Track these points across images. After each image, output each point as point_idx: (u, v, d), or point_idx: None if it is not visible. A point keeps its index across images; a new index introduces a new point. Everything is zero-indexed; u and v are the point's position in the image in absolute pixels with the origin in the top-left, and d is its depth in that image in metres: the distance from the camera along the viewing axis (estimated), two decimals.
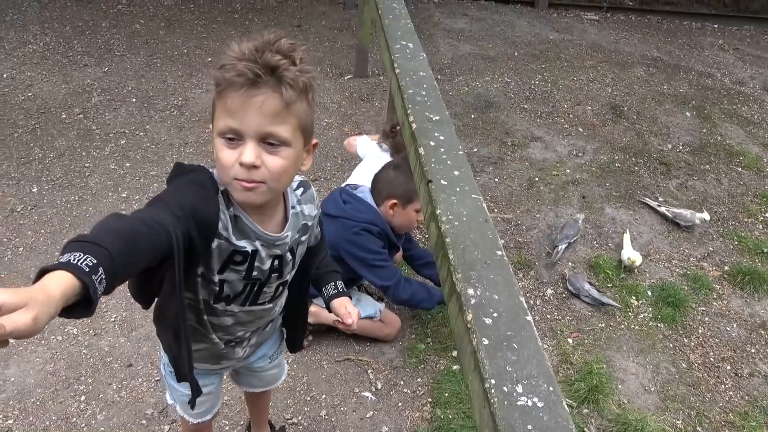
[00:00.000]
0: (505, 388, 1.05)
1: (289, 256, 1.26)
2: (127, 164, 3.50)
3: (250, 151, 1.01)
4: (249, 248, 1.15)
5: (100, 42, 4.88)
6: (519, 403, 1.03)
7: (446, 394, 2.26)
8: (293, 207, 1.24)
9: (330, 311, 1.46)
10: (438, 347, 2.50)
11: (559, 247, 3.01)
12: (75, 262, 0.73)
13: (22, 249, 2.86)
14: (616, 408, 2.30)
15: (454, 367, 2.38)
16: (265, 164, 1.02)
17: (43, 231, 2.98)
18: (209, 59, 4.74)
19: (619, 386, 2.41)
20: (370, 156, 2.94)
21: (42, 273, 0.72)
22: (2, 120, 3.79)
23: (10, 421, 2.13)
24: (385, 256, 2.30)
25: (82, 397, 2.21)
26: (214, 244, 1.10)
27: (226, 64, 1.01)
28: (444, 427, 2.12)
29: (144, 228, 0.89)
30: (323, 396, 2.27)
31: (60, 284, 0.70)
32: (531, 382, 1.07)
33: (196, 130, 3.85)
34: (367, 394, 2.29)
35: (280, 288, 1.33)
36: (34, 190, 3.24)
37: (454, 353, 2.46)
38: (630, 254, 2.97)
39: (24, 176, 3.33)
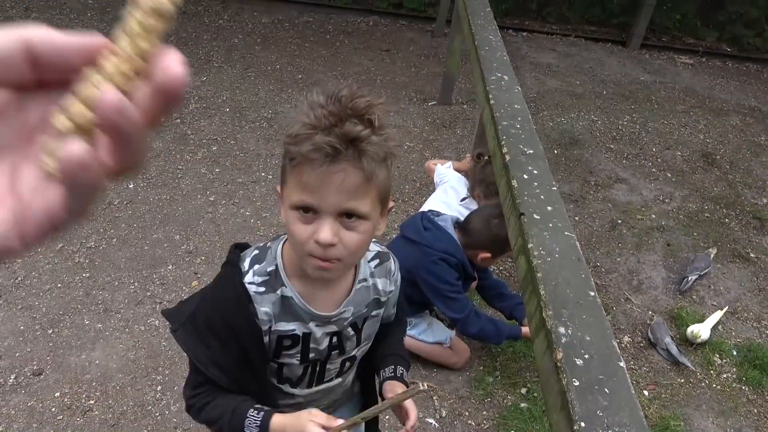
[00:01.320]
0: None
1: (350, 331, 1.16)
2: (217, 170, 3.66)
3: (327, 230, 0.92)
4: (299, 331, 1.09)
5: (200, 53, 5.17)
6: None
7: (512, 431, 2.21)
8: (364, 280, 1.15)
9: (380, 394, 1.26)
10: (506, 382, 2.46)
11: (689, 278, 3.05)
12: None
13: (115, 240, 3.04)
14: None
15: (522, 405, 2.32)
16: (342, 241, 0.95)
17: (135, 225, 3.15)
18: (300, 76, 4.93)
19: None
20: (446, 187, 2.94)
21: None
22: None
23: (92, 402, 2.25)
24: (459, 288, 2.29)
25: (159, 387, 2.31)
26: (266, 339, 1.08)
27: (300, 135, 0.90)
28: None
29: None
30: (387, 417, 2.28)
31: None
32: (623, 430, 1.04)
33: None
34: (431, 420, 2.27)
35: (347, 363, 1.22)
36: (131, 186, 3.45)
37: (523, 390, 2.41)
38: (701, 328, 2.71)
39: None
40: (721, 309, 2.92)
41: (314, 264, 0.97)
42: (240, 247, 1.16)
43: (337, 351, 1.16)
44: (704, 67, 6.22)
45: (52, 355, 2.40)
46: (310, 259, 0.96)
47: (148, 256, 2.95)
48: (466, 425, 2.28)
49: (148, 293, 2.73)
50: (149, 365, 2.40)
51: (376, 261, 1.19)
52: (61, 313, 2.59)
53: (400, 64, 5.42)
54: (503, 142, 1.94)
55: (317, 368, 1.18)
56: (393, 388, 1.21)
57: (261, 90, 4.65)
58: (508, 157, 1.86)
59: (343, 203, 0.92)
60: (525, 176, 1.76)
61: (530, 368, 2.52)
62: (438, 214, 2.45)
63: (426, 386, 1.08)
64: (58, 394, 2.26)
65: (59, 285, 2.73)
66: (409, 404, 1.17)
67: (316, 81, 4.87)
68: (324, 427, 1.04)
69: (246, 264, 1.10)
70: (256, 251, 1.13)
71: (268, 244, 1.15)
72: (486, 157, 2.70)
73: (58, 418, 2.18)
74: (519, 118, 2.10)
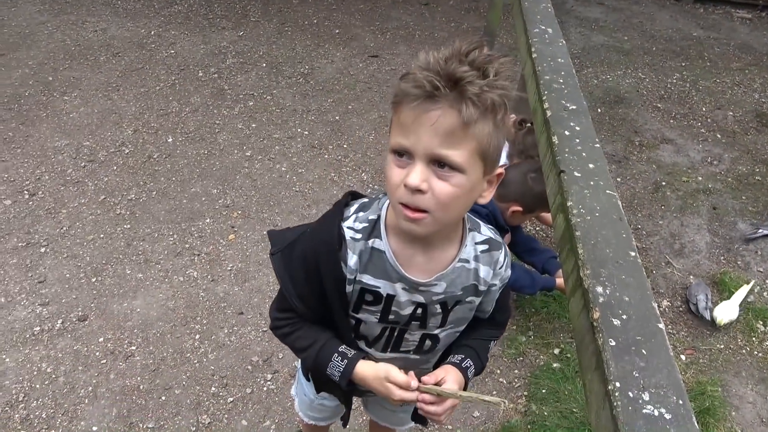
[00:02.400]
0: (631, 394, 1.01)
1: (437, 308, 1.10)
2: (253, 125, 3.67)
3: (417, 173, 0.88)
4: (384, 291, 1.06)
5: (237, 7, 5.12)
6: (645, 411, 0.98)
7: (543, 391, 2.21)
8: (466, 261, 1.08)
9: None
10: (539, 342, 2.44)
11: (761, 230, 3.07)
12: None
13: (155, 193, 3.10)
14: None
15: (555, 365, 2.31)
16: (432, 189, 0.90)
17: (174, 179, 3.20)
18: (336, 31, 4.84)
19: (733, 413, 2.24)
20: None
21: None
22: (147, 73, 4.10)
23: (133, 347, 2.33)
24: None
25: (197, 336, 2.38)
26: (349, 288, 1.06)
27: (407, 74, 0.89)
28: (538, 423, 2.08)
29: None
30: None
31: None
32: (659, 392, 1.01)
33: (319, 98, 3.96)
34: None
35: (427, 341, 1.17)
36: (170, 140, 3.49)
37: (556, 350, 2.39)
38: (726, 311, 2.56)
39: (162, 127, 3.59)
40: (747, 283, 2.78)
41: (403, 213, 0.93)
42: (354, 195, 1.14)
43: (418, 323, 1.12)
44: (763, 22, 5.85)
45: (96, 303, 2.49)
46: (401, 207, 0.93)
47: (187, 209, 3.00)
48: (497, 383, 2.28)
49: (187, 245, 2.79)
50: (188, 315, 2.46)
51: (485, 246, 1.11)
52: (103, 262, 2.67)
53: (440, 18, 5.27)
54: (545, 97, 1.87)
55: (395, 333, 1.15)
56: (448, 369, 1.14)
57: (298, 45, 4.60)
58: (549, 113, 1.79)
59: (436, 147, 0.87)
60: (566, 132, 1.69)
61: (564, 329, 2.50)
62: None
63: (505, 405, 1.07)
64: (101, 339, 2.35)
65: (102, 235, 2.81)
66: (451, 379, 1.12)
67: (354, 36, 4.78)
68: (403, 386, 1.07)
69: (352, 209, 1.08)
70: (366, 200, 1.11)
71: (380, 195, 1.11)
72: (529, 125, 2.61)
73: (102, 362, 2.27)
74: (562, 73, 2.01)
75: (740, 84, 4.57)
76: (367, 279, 1.05)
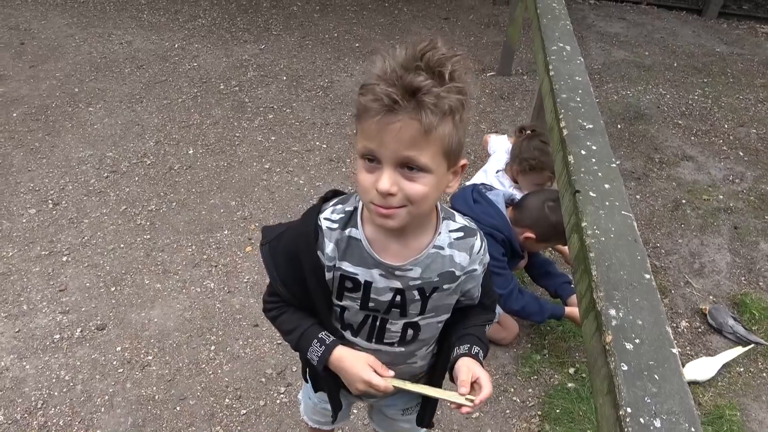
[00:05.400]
0: (642, 420, 1.00)
1: (415, 294, 1.13)
2: (273, 138, 3.71)
3: (385, 179, 0.93)
4: (362, 278, 1.10)
5: (260, 21, 5.20)
6: None
7: (557, 411, 2.18)
8: (441, 247, 1.11)
9: (451, 373, 1.21)
10: (554, 361, 2.42)
11: None
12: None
13: (174, 204, 3.14)
14: None
15: (569, 385, 2.29)
16: (402, 190, 0.95)
17: (194, 190, 3.25)
18: (357, 44, 4.89)
19: None
20: (492, 158, 2.88)
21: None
22: (170, 85, 4.18)
23: (150, 357, 2.36)
24: (504, 264, 2.25)
25: (212, 347, 2.41)
26: (329, 275, 1.12)
27: (366, 85, 0.93)
28: None
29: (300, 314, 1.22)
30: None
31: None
32: (671, 419, 1.00)
33: (338, 112, 4.00)
34: None
35: (409, 330, 1.21)
36: (191, 152, 3.54)
37: (571, 370, 2.37)
38: (698, 369, 2.40)
39: (183, 138, 3.65)
40: (743, 346, 2.51)
41: (376, 211, 0.99)
42: (336, 192, 1.21)
43: (398, 310, 1.16)
44: None
45: (115, 312, 2.53)
46: (373, 207, 0.99)
47: (206, 221, 3.04)
48: (511, 401, 2.26)
49: (205, 256, 2.82)
50: (204, 326, 2.49)
51: (460, 234, 1.14)
52: (123, 272, 2.72)
53: (459, 32, 5.29)
54: (561, 116, 1.86)
55: (377, 322, 1.18)
56: (469, 367, 1.16)
57: (318, 58, 4.65)
58: (565, 132, 1.79)
59: (401, 152, 0.92)
60: (583, 152, 1.69)
61: (579, 348, 2.47)
62: (491, 188, 2.40)
63: (472, 404, 1.10)
64: (119, 348, 2.39)
65: (122, 245, 2.86)
66: (485, 382, 1.14)
67: (374, 50, 4.82)
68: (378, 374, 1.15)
69: (331, 203, 1.15)
70: (345, 195, 1.18)
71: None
72: (528, 131, 2.62)
73: (119, 371, 2.31)
74: (579, 91, 2.01)
75: (764, 101, 4.51)
76: (346, 266, 1.10)
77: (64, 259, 2.77)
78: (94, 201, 3.13)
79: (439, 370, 1.35)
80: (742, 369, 2.46)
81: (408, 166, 0.94)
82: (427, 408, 1.44)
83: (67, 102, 3.92)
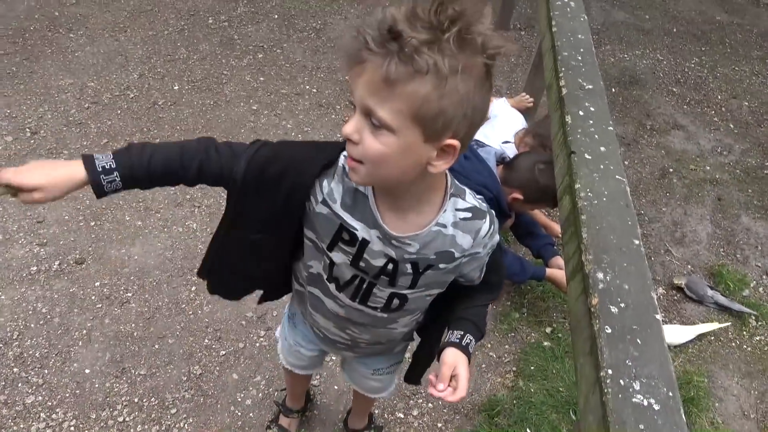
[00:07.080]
0: (622, 382, 1.01)
1: (407, 267, 1.09)
2: (261, 78, 3.61)
3: (351, 123, 0.89)
4: (360, 234, 1.06)
5: None
6: (634, 400, 0.99)
7: (532, 368, 2.23)
8: (443, 225, 1.05)
9: (439, 355, 1.18)
10: (532, 320, 2.46)
11: None
12: (98, 163, 1.04)
13: (158, 141, 3.05)
14: (708, 425, 2.17)
15: (545, 343, 2.33)
16: (362, 141, 0.89)
17: (178, 128, 3.17)
18: None
19: (717, 404, 2.27)
20: (494, 122, 2.81)
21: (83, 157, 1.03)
22: (156, 17, 4.01)
23: (129, 294, 2.34)
24: None
25: (193, 288, 2.39)
26: (316, 208, 1.08)
27: (356, 26, 0.88)
28: (524, 398, 2.10)
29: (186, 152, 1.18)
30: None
31: (74, 177, 1.03)
32: (650, 383, 1.02)
33: (330, 56, 3.88)
34: None
35: (395, 300, 1.17)
36: (176, 87, 3.43)
37: (548, 329, 2.41)
38: (675, 334, 2.43)
39: (168, 73, 3.53)
40: (720, 323, 2.55)
41: (345, 159, 0.97)
42: None
43: (387, 279, 1.12)
44: None
45: (94, 247, 2.49)
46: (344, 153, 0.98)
47: None
48: (487, 356, 2.30)
49: (188, 196, 2.77)
50: (185, 266, 2.47)
51: (468, 214, 1.07)
52: (103, 207, 2.66)
53: None
54: (561, 74, 1.82)
55: (364, 285, 1.15)
56: (452, 363, 1.12)
57: None
58: (564, 91, 1.75)
59: (364, 100, 0.86)
60: (580, 113, 1.67)
61: (557, 308, 2.51)
62: (483, 144, 2.36)
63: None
64: (98, 283, 2.36)
65: None
66: (462, 384, 1.10)
67: None
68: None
69: None
70: None
71: None
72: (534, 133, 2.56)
73: (98, 306, 2.29)
74: (581, 50, 1.97)
75: (759, 74, 4.49)
76: (348, 218, 1.06)
77: None
78: (74, 132, 3.03)
79: (427, 349, 1.37)
80: (712, 338, 2.53)
81: (372, 120, 0.87)
82: (418, 365, 1.45)
83: (47, 26, 3.75)
